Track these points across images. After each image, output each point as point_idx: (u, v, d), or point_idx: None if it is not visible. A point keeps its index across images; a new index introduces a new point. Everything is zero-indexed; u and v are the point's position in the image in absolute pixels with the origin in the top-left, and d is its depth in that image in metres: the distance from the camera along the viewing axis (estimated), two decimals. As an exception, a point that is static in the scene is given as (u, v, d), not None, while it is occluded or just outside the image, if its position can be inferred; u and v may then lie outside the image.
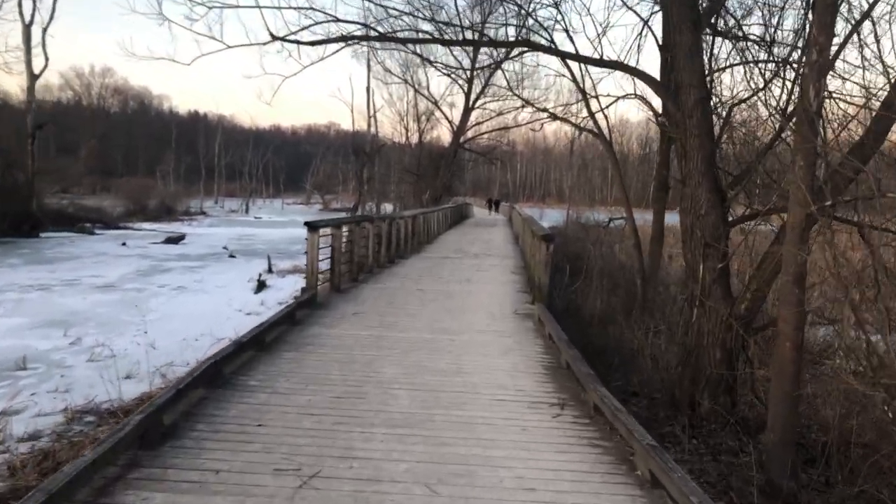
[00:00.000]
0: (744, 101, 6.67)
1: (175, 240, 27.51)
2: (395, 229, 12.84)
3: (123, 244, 25.66)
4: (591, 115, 9.90)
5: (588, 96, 9.83)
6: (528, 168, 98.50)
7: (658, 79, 8.18)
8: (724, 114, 6.94)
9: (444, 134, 40.29)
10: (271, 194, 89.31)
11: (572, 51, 8.69)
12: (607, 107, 9.92)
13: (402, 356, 5.44)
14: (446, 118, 32.60)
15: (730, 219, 6.46)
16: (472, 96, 30.32)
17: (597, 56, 7.43)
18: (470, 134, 32.94)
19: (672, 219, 12.42)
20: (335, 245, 8.51)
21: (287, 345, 5.65)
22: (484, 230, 25.69)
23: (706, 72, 6.60)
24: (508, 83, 17.83)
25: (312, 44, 7.42)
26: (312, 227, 7.68)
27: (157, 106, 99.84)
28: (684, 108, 6.32)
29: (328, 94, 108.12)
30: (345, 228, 9.85)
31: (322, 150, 74.99)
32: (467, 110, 30.62)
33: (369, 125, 33.73)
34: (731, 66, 7.16)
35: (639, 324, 8.62)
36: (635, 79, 7.95)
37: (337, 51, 7.88)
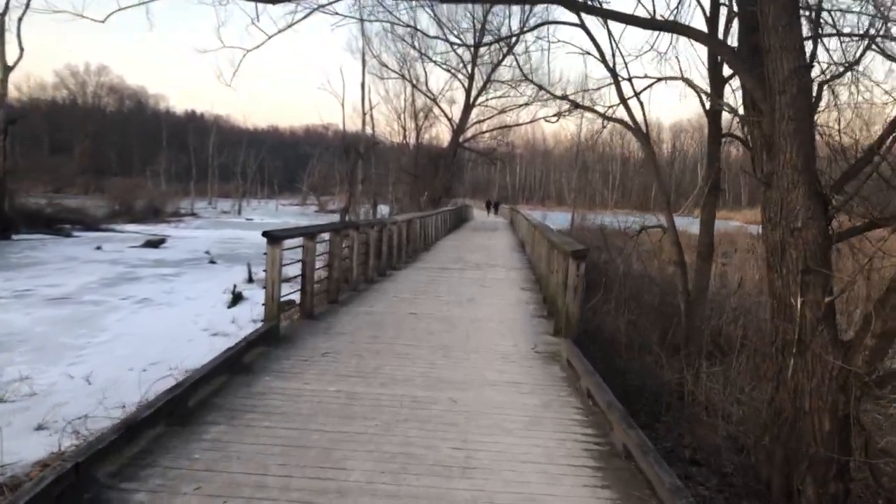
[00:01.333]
0: (845, 72, 4.96)
1: (155, 243, 25.77)
2: (387, 236, 11.13)
3: (98, 248, 23.91)
4: (623, 101, 8.18)
5: (619, 79, 8.13)
6: (528, 170, 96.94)
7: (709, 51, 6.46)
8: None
9: (442, 132, 38.52)
10: (266, 195, 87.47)
11: (603, 30, 7.05)
12: (642, 91, 8.16)
13: (381, 434, 3.72)
14: (445, 116, 30.81)
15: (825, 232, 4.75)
16: (474, 92, 28.57)
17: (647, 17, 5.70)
18: (470, 133, 31.12)
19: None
20: (307, 260, 6.78)
21: (217, 413, 3.92)
22: (485, 235, 24.05)
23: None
24: (521, 67, 16.11)
25: (273, 1, 5.73)
26: (273, 238, 5.89)
27: (153, 105, 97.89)
28: (772, 83, 4.62)
29: (317, 87, 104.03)
30: (324, 237, 8.16)
31: (319, 150, 72.93)
32: (468, 107, 28.84)
33: (364, 123, 31.93)
34: (823, 35, 5.44)
35: (686, 359, 6.92)
36: (679, 54, 6.27)
37: (308, 14, 6.19)
